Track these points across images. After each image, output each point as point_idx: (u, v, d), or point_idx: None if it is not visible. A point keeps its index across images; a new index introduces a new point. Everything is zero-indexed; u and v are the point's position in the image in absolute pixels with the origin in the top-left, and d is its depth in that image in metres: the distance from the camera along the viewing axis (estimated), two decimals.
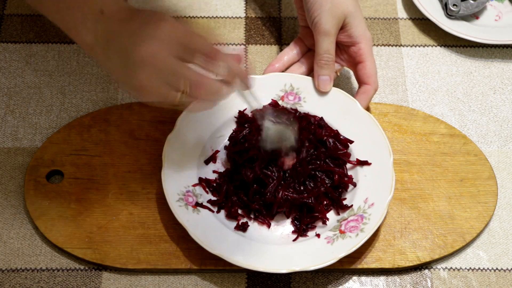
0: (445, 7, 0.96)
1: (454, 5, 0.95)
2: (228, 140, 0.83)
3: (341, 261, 0.76)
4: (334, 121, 0.84)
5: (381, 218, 0.77)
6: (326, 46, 0.84)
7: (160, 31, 0.68)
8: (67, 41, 0.94)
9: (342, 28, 0.84)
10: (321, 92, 0.86)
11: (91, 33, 0.70)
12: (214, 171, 0.82)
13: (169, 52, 0.69)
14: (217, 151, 0.83)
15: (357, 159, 0.82)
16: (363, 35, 0.84)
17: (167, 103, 0.71)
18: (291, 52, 0.90)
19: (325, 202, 0.80)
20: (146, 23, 0.69)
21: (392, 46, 0.96)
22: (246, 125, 0.83)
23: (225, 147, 0.84)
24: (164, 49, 0.68)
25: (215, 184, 0.81)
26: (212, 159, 0.83)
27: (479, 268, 0.80)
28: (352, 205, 0.79)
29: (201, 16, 0.98)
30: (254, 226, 0.79)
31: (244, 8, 0.99)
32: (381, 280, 0.79)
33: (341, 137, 0.83)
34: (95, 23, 0.70)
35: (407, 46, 0.96)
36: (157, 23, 0.69)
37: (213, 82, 0.70)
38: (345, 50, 0.87)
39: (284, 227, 0.80)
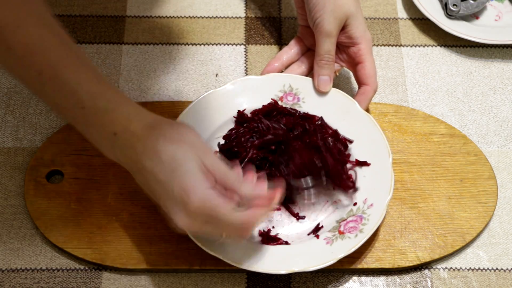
0: (445, 7, 0.96)
1: (454, 5, 0.95)
2: (223, 138, 0.83)
3: (341, 261, 0.76)
4: (333, 122, 0.84)
5: (380, 218, 0.77)
6: (327, 46, 0.84)
7: (189, 209, 0.65)
8: None
9: (343, 28, 0.84)
10: (320, 93, 0.86)
11: (111, 154, 0.70)
12: None
13: (202, 220, 0.66)
14: (216, 152, 0.83)
15: (356, 159, 0.82)
16: (363, 36, 0.85)
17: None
18: (290, 51, 0.90)
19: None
20: (167, 172, 0.66)
21: (392, 46, 0.96)
22: (244, 125, 0.83)
23: (218, 144, 0.83)
24: (196, 219, 0.66)
25: None
26: None
27: (479, 268, 0.80)
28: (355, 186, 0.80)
29: (201, 16, 0.98)
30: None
31: (244, 8, 0.99)
32: (381, 280, 0.79)
33: (340, 136, 0.83)
34: (111, 146, 0.69)
35: (407, 46, 0.96)
36: (182, 193, 0.65)
37: (254, 219, 0.68)
38: (344, 50, 0.87)
39: (283, 228, 0.80)
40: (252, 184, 0.69)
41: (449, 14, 0.95)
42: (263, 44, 0.96)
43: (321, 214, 0.80)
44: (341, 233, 0.77)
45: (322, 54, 0.84)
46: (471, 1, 0.96)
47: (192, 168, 0.66)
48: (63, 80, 0.67)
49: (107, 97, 0.69)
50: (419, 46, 0.96)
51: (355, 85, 0.91)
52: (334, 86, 0.86)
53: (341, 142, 0.82)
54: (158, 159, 0.66)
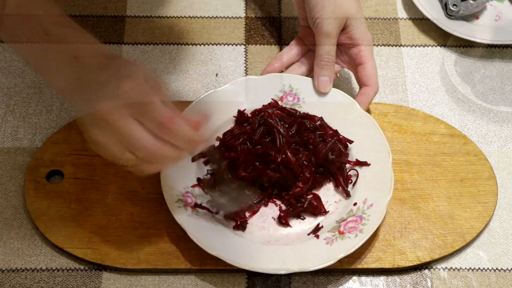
0: (445, 7, 0.96)
1: (454, 5, 0.95)
2: (222, 135, 0.84)
3: (341, 261, 0.76)
4: (333, 122, 0.84)
5: (380, 218, 0.77)
6: (327, 47, 0.84)
7: (121, 89, 0.67)
8: None
9: (344, 29, 0.84)
10: (320, 93, 0.86)
11: (63, 78, 0.70)
12: None
13: (126, 113, 0.67)
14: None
15: (356, 159, 0.82)
16: (364, 37, 0.84)
17: (121, 162, 0.70)
18: (290, 52, 0.90)
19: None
20: (112, 77, 0.68)
21: (392, 46, 0.96)
22: (245, 125, 0.83)
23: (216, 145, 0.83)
24: (122, 109, 0.67)
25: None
26: None
27: (479, 268, 0.80)
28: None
29: (201, 16, 0.98)
30: (252, 227, 0.79)
31: (244, 8, 0.99)
32: (381, 280, 0.79)
33: (341, 136, 0.83)
34: (68, 69, 0.70)
35: (407, 46, 0.96)
36: (121, 80, 0.67)
37: (164, 149, 0.69)
38: (345, 51, 0.86)
39: (283, 228, 0.80)
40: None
41: (449, 14, 0.95)
42: (263, 44, 0.96)
43: (321, 214, 0.80)
44: (341, 233, 0.77)
45: (322, 55, 0.84)
46: (471, 1, 0.96)
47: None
48: (32, 15, 0.71)
49: (73, 29, 0.71)
50: (419, 46, 0.96)
51: (355, 85, 0.91)
52: (334, 86, 0.86)
53: (341, 142, 0.82)
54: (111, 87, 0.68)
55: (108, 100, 0.67)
